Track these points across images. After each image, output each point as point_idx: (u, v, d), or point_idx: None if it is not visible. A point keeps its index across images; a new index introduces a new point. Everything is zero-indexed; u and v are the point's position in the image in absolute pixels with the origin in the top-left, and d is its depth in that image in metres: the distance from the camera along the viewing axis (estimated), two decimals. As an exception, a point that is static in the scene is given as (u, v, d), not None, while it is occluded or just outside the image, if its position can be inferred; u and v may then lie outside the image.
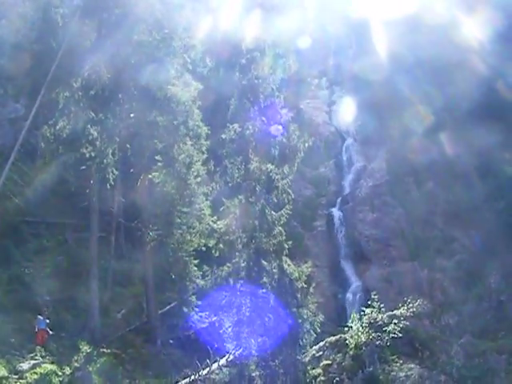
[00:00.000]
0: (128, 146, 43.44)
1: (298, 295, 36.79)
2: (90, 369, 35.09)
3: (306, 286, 37.50)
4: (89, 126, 41.37)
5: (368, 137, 77.21)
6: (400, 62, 70.49)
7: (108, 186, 43.15)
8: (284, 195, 38.26)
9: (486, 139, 60.64)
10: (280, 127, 40.19)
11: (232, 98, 40.19)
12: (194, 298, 46.50)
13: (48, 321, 36.98)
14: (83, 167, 42.06)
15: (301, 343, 36.77)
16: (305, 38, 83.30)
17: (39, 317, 36.91)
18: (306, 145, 39.40)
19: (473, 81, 63.40)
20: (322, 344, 46.67)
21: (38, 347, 35.82)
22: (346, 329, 46.30)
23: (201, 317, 46.87)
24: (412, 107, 69.04)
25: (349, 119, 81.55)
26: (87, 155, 41.33)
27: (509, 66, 63.84)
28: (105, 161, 41.52)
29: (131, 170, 45.49)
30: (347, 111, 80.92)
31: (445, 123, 65.04)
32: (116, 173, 43.05)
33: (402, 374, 45.16)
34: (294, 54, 41.87)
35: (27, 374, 32.67)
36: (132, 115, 43.04)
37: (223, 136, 39.43)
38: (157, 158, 43.64)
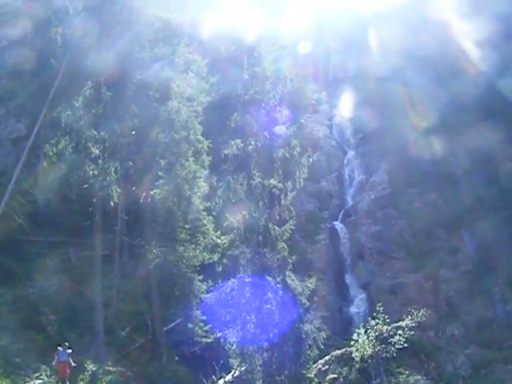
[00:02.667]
0: (130, 163, 43.52)
1: (302, 310, 36.75)
2: (96, 387, 35.12)
3: (309, 300, 37.48)
4: (91, 144, 41.48)
5: (369, 149, 77.30)
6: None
7: (111, 204, 43.22)
8: (287, 212, 38.30)
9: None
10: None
11: (234, 112, 40.27)
12: (198, 314, 46.48)
13: (70, 351, 35.69)
14: (86, 185, 42.10)
15: (306, 358, 36.62)
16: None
17: (59, 348, 35.51)
18: (310, 160, 39.46)
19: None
20: (327, 358, 46.60)
21: (44, 366, 35.55)
22: (352, 342, 46.24)
23: (206, 333, 46.88)
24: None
25: (349, 131, 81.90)
26: (90, 173, 41.41)
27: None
28: (107, 179, 41.58)
29: (133, 188, 45.51)
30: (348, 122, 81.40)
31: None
32: (119, 190, 43.09)
33: (408, 386, 45.16)
34: (295, 68, 42.01)
35: (33, 394, 32.68)
36: (133, 132, 43.13)
37: (226, 151, 39.51)
38: (160, 174, 43.79)
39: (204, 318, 46.99)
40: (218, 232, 43.31)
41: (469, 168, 63.45)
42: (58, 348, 35.62)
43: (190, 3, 46.56)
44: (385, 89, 71.27)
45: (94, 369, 37.24)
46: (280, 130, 40.33)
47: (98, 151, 41.75)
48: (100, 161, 41.79)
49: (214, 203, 42.10)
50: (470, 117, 63.58)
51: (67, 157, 41.78)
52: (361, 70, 75.69)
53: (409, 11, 71.42)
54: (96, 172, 41.51)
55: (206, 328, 46.93)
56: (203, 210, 45.33)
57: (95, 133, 41.59)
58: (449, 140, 63.96)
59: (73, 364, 35.73)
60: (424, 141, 66.52)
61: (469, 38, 66.47)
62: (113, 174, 42.13)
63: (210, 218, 45.42)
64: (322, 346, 37.34)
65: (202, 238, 45.23)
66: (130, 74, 42.00)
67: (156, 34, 43.05)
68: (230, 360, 38.29)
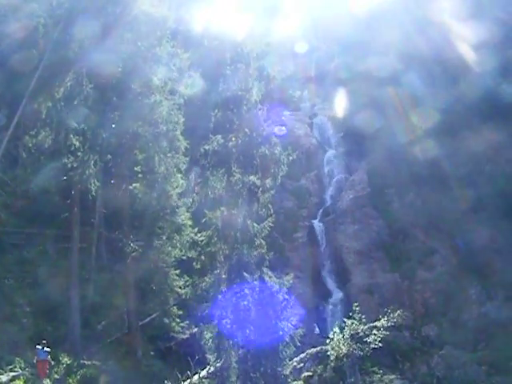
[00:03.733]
0: (110, 156, 43.36)
1: (279, 307, 36.70)
2: (70, 381, 34.95)
3: (287, 297, 37.41)
4: (71, 136, 41.30)
5: (349, 148, 77.48)
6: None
7: (89, 197, 43.08)
8: (265, 209, 38.25)
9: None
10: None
11: (216, 108, 40.17)
12: (174, 309, 46.43)
13: (49, 350, 35.14)
14: (65, 177, 41.93)
15: (282, 355, 36.60)
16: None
17: (38, 347, 34.97)
18: (290, 158, 39.43)
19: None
20: (303, 356, 46.72)
21: (18, 359, 35.18)
22: (327, 340, 46.32)
23: (182, 328, 46.85)
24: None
25: (330, 130, 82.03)
26: (69, 166, 41.25)
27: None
28: (86, 171, 41.43)
29: (112, 181, 45.37)
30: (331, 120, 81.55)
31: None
32: (97, 183, 42.94)
33: (382, 386, 45.33)
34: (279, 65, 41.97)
35: (7, 386, 32.46)
36: (114, 125, 42.98)
37: (206, 147, 39.39)
38: (137, 169, 43.71)
39: (180, 313, 46.99)
40: (196, 228, 43.22)
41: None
42: (37, 347, 35.15)
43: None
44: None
45: (68, 362, 37.08)
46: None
47: (77, 143, 41.59)
48: (80, 153, 41.63)
49: (192, 199, 41.96)
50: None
51: (47, 148, 41.52)
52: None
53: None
54: (75, 164, 41.37)
55: (182, 324, 46.96)
56: (181, 206, 45.27)
57: (75, 125, 41.41)
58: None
59: (51, 362, 35.58)
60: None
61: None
62: (92, 166, 41.98)
63: (188, 214, 45.36)
64: (298, 344, 37.26)
65: (179, 234, 45.18)
66: (111, 67, 41.81)
67: (139, 27, 42.89)
68: (206, 356, 38.17)
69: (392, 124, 68.30)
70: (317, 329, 55.49)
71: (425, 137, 65.73)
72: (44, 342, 35.14)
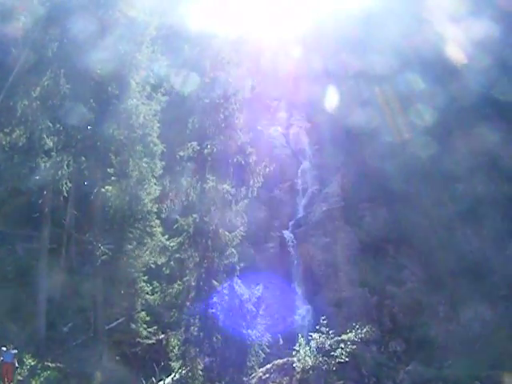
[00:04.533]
0: (83, 158, 43.16)
1: (248, 317, 36.68)
2: (33, 382, 34.60)
3: (255, 307, 37.40)
4: (45, 136, 41.06)
5: (324, 161, 77.57)
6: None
7: (61, 198, 42.85)
8: (238, 218, 38.23)
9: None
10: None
11: (193, 115, 40.14)
12: (142, 315, 46.23)
13: (15, 352, 34.76)
14: (37, 177, 41.67)
15: (248, 365, 36.57)
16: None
17: (3, 348, 34.54)
18: (267, 170, 39.46)
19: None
20: (269, 366, 46.56)
21: None
22: (294, 352, 46.32)
23: (148, 334, 46.65)
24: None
25: (306, 142, 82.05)
26: (42, 166, 41.01)
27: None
28: (59, 172, 41.21)
29: (85, 183, 45.16)
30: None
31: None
32: (70, 185, 42.73)
33: (347, 400, 45.32)
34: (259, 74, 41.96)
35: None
36: (89, 127, 42.81)
37: (181, 153, 39.35)
38: (110, 171, 43.53)
39: (147, 318, 46.78)
40: (167, 236, 43.13)
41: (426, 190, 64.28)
42: (2, 348, 34.77)
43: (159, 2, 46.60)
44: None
45: (32, 363, 36.75)
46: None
47: (51, 144, 41.38)
48: (53, 153, 41.41)
49: (165, 205, 41.84)
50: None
51: (20, 147, 41.24)
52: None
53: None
54: (48, 164, 41.13)
55: (149, 329, 46.75)
56: (154, 212, 45.12)
57: (51, 125, 41.20)
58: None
59: (16, 365, 35.14)
60: (381, 165, 67.10)
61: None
62: (65, 167, 41.77)
63: (158, 221, 45.22)
64: (265, 354, 37.23)
65: (149, 240, 45.03)
66: (90, 69, 41.69)
67: (120, 30, 42.77)
68: (171, 363, 38.04)
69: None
70: (281, 340, 55.42)
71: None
72: (11, 345, 34.78)
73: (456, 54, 67.24)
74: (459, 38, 67.66)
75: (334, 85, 76.12)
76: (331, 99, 74.04)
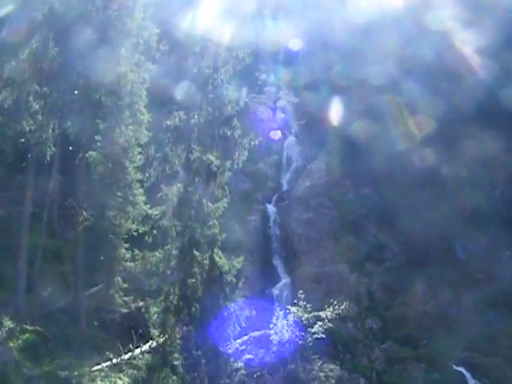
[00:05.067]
0: (69, 123, 43.02)
1: (227, 288, 36.82)
2: (12, 345, 34.64)
3: (235, 279, 37.53)
4: (32, 98, 40.88)
5: (310, 137, 77.65)
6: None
7: (45, 162, 42.73)
8: (221, 190, 38.28)
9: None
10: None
11: (181, 84, 40.06)
12: (121, 282, 46.30)
13: None
14: (22, 140, 41.51)
15: (225, 336, 36.76)
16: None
17: None
18: (252, 143, 39.45)
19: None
20: (245, 338, 46.89)
21: None
22: (271, 325, 46.63)
23: (127, 301, 46.75)
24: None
25: (292, 116, 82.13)
26: (27, 129, 40.84)
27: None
28: (44, 136, 41.05)
29: (70, 148, 45.03)
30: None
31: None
32: (54, 149, 42.60)
33: (322, 374, 45.75)
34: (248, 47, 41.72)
35: None
36: (76, 92, 42.63)
37: (168, 122, 39.29)
38: (96, 138, 43.40)
39: (127, 286, 46.87)
40: (149, 205, 43.11)
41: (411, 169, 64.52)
42: None
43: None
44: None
45: (11, 326, 36.78)
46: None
47: (38, 107, 41.17)
48: (39, 117, 41.22)
49: (149, 174, 41.74)
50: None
51: (6, 109, 41.02)
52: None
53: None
54: (33, 128, 40.96)
55: (127, 297, 46.84)
56: (137, 181, 45.08)
57: (38, 88, 41.01)
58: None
59: None
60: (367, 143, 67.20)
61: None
62: (50, 131, 41.61)
63: (142, 190, 45.18)
64: (242, 326, 37.43)
65: (132, 208, 45.01)
66: (80, 33, 41.43)
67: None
68: (150, 330, 38.22)
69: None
70: (254, 312, 55.73)
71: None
72: None
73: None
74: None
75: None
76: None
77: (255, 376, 44.48)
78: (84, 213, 43.52)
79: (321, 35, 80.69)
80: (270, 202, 70.48)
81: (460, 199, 62.12)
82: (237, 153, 39.31)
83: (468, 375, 49.94)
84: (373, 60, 73.10)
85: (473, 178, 63.69)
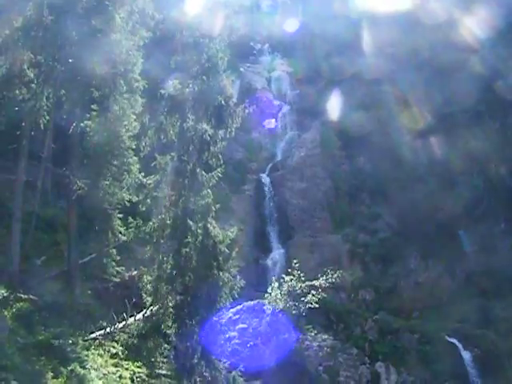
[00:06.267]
0: (63, 91, 42.79)
1: (220, 258, 36.82)
2: (6, 313, 34.67)
3: (229, 249, 37.52)
4: (26, 67, 40.63)
5: (304, 106, 77.57)
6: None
7: (39, 131, 42.55)
8: (214, 159, 38.15)
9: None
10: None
11: (175, 53, 39.84)
12: (115, 251, 46.35)
13: None
14: (16, 108, 41.31)
15: (219, 305, 36.82)
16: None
17: None
18: (246, 111, 39.24)
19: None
20: (239, 307, 47.11)
21: None
22: (265, 295, 46.84)
23: (121, 270, 46.86)
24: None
25: (287, 85, 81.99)
26: (21, 97, 40.63)
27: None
28: (38, 104, 40.83)
29: (64, 117, 44.83)
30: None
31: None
32: (48, 118, 42.38)
33: (315, 344, 46.06)
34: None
35: None
36: (71, 60, 42.36)
37: (162, 91, 39.10)
38: (92, 106, 43.23)
39: (120, 255, 46.93)
40: (143, 173, 43.02)
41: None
42: None
43: None
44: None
45: (5, 294, 36.81)
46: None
47: (32, 75, 40.92)
48: (33, 85, 40.99)
49: (143, 143, 41.57)
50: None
51: (0, 77, 40.78)
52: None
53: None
54: (27, 96, 40.76)
55: (121, 266, 46.97)
56: (132, 149, 44.95)
57: (32, 56, 40.74)
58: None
59: None
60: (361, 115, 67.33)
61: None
62: (44, 100, 41.37)
63: (136, 158, 45.08)
64: (236, 296, 37.51)
65: (127, 176, 44.92)
66: (74, 1, 41.12)
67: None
68: (143, 299, 38.24)
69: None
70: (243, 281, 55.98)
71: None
72: None
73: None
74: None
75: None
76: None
77: (248, 345, 44.73)
78: (78, 182, 43.41)
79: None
80: (264, 172, 70.49)
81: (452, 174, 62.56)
82: (231, 122, 39.13)
83: (460, 346, 50.29)
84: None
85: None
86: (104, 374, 32.86)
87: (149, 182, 38.85)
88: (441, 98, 66.80)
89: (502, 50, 66.36)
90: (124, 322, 39.91)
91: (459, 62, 66.29)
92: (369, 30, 75.84)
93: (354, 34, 76.27)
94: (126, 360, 36.38)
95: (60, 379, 28.88)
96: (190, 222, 37.21)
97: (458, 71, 65.59)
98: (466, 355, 49.77)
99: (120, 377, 34.09)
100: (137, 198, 41.68)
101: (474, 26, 66.97)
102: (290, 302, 45.80)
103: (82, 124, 43.16)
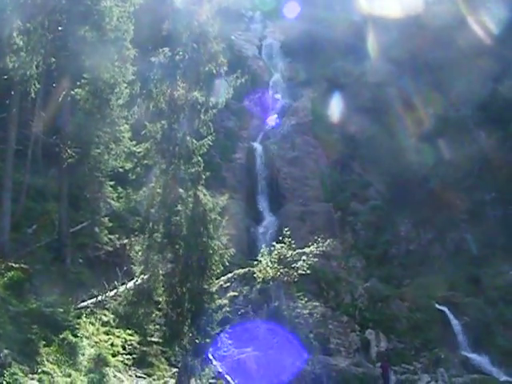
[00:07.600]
0: (53, 59, 42.54)
1: (211, 226, 36.80)
2: (-3, 282, 34.73)
3: (219, 217, 37.49)
4: (15, 34, 40.32)
5: (296, 75, 77.41)
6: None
7: (29, 99, 42.34)
8: (205, 127, 38.00)
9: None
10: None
11: (166, 20, 39.57)
12: (106, 220, 46.38)
13: None
14: (5, 77, 41.07)
15: (209, 273, 36.86)
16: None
17: None
18: (238, 81, 39.06)
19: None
20: (230, 275, 47.29)
21: None
22: (256, 262, 46.94)
23: (112, 238, 46.91)
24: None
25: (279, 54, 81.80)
26: (11, 65, 40.36)
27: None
28: (28, 73, 40.56)
29: (54, 85, 44.63)
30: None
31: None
32: (38, 86, 42.15)
33: (305, 312, 46.20)
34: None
35: None
36: (60, 28, 42.08)
37: (152, 59, 38.86)
38: (80, 74, 43.00)
39: (111, 223, 46.97)
40: (134, 142, 42.91)
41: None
42: None
43: None
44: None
45: (-4, 263, 36.85)
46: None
47: (21, 43, 40.62)
48: (23, 53, 40.70)
49: (133, 111, 41.41)
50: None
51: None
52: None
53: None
54: (17, 64, 40.47)
55: (112, 235, 47.01)
56: (122, 117, 44.84)
57: (21, 23, 40.41)
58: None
59: None
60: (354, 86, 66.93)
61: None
62: (34, 68, 41.11)
63: (127, 126, 44.98)
64: (227, 263, 37.56)
65: (117, 145, 44.82)
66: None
67: None
68: (134, 267, 38.30)
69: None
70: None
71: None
72: None
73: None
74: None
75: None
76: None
77: (239, 313, 44.90)
78: (68, 150, 43.32)
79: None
80: (255, 140, 70.40)
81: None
82: (222, 90, 38.98)
83: (450, 314, 50.64)
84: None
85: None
86: (95, 342, 32.98)
87: (139, 150, 38.71)
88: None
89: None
90: (115, 290, 40.07)
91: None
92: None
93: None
94: (117, 328, 36.59)
95: (52, 347, 28.93)
96: (181, 190, 37.14)
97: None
98: (456, 323, 50.14)
99: (112, 344, 34.30)
100: (127, 166, 41.67)
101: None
102: (281, 270, 45.88)
103: (72, 92, 42.99)
